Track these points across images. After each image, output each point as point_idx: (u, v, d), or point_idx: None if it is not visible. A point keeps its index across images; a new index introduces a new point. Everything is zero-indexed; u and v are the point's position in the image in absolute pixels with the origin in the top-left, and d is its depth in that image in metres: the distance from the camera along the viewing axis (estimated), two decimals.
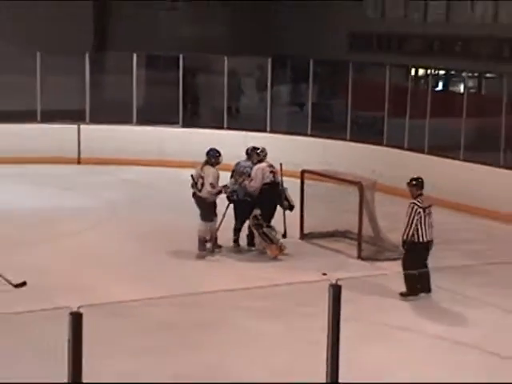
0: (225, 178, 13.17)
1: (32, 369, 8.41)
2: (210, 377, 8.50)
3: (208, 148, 13.12)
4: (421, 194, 11.34)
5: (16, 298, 10.48)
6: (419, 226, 11.07)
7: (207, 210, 12.95)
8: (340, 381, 5.45)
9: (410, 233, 11.09)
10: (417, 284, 11.26)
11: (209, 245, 13.05)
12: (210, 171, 12.84)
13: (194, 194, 13.04)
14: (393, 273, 11.94)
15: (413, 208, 11.14)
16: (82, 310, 4.81)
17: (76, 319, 4.83)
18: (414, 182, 11.43)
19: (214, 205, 13.02)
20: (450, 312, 10.77)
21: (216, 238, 13.09)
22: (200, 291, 9.79)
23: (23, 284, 11.29)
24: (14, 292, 10.83)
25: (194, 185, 12.95)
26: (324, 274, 11.37)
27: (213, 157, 12.95)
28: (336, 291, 5.43)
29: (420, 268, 11.07)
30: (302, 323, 9.88)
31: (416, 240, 11.09)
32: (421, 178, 11.48)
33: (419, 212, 11.11)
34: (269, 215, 13.04)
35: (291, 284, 10.57)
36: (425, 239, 11.12)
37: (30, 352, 8.83)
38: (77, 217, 15.08)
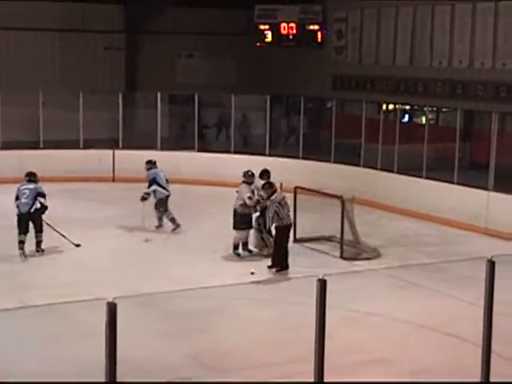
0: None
1: (76, 348, 8.42)
2: (217, 354, 8.49)
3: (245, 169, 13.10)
4: (274, 192, 12.06)
5: (64, 291, 10.48)
6: (280, 215, 11.82)
7: (237, 220, 12.83)
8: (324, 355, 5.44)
9: (275, 221, 11.84)
10: (283, 260, 11.85)
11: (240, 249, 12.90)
12: (245, 189, 12.79)
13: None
14: (368, 270, 11.94)
15: (272, 204, 11.88)
16: (116, 301, 4.81)
17: (112, 308, 4.84)
18: (264, 187, 12.25)
19: (245, 216, 12.78)
20: (416, 302, 10.73)
21: (245, 244, 12.94)
22: (210, 285, 9.78)
23: (79, 245, 12.89)
24: (63, 286, 10.86)
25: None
26: (252, 273, 11.44)
27: (249, 177, 12.94)
28: (322, 285, 5.43)
29: (285, 247, 11.95)
30: (294, 310, 9.86)
31: (280, 224, 11.83)
32: (268, 182, 12.29)
33: (277, 205, 11.83)
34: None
35: (286, 279, 10.56)
36: (285, 223, 11.94)
37: (75, 334, 8.83)
38: (112, 223, 15.08)
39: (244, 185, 12.91)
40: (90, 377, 6.92)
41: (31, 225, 12.70)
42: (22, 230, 12.55)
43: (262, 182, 12.99)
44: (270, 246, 12.81)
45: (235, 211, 12.85)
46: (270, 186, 12.18)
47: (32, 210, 12.54)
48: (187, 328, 9.29)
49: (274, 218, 11.85)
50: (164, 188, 14.61)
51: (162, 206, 14.62)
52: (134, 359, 7.71)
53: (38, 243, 12.72)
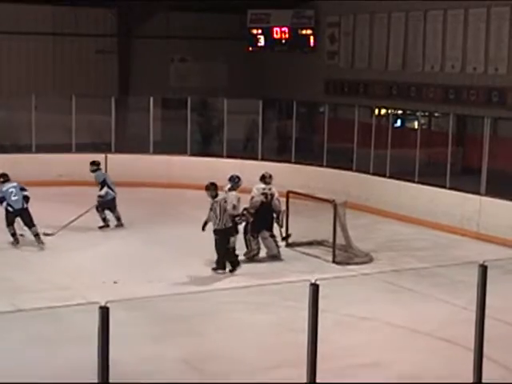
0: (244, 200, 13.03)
1: (69, 351, 8.41)
2: (210, 358, 8.49)
3: (229, 175, 13.06)
4: (217, 194, 12.06)
5: (57, 295, 10.48)
6: (227, 216, 11.89)
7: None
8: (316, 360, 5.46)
9: (223, 222, 11.85)
10: (224, 260, 11.95)
11: None
12: (233, 197, 12.66)
13: None
14: (360, 274, 11.96)
15: (220, 205, 11.89)
16: (109, 305, 4.82)
17: (104, 312, 4.84)
18: (211, 188, 12.06)
19: (234, 223, 12.65)
20: (409, 306, 10.75)
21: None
22: (202, 289, 9.78)
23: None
24: (56, 290, 10.85)
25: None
26: (115, 283, 11.32)
27: (234, 182, 12.88)
28: (315, 289, 5.44)
29: (226, 247, 11.97)
30: (286, 314, 9.87)
31: (225, 226, 11.85)
32: (214, 184, 12.14)
33: (224, 207, 11.88)
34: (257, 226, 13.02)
35: (279, 283, 10.57)
36: (227, 225, 11.93)
37: (68, 338, 8.82)
38: (105, 228, 15.06)
39: (233, 192, 12.86)
40: (82, 380, 6.92)
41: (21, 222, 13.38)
42: (11, 222, 13.33)
43: (263, 185, 13.03)
44: (250, 249, 12.90)
45: None
46: (214, 188, 12.14)
47: (25, 205, 13.28)
48: (180, 332, 9.29)
49: (218, 218, 11.90)
50: (112, 189, 15.07)
51: (105, 206, 14.95)
52: (127, 363, 7.72)
53: (37, 236, 13.26)
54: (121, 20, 24.12)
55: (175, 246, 13.74)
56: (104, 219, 14.99)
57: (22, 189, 13.54)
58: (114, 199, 15.06)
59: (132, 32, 24.27)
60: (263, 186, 13.15)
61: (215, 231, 12.05)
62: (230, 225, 12.08)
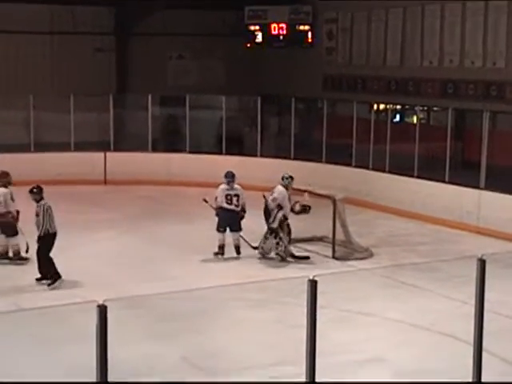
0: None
1: (67, 350, 8.39)
2: (209, 356, 8.47)
3: (227, 171, 12.94)
4: (42, 198, 11.16)
5: (57, 294, 10.47)
6: (50, 221, 11.05)
7: (238, 222, 12.82)
8: (316, 356, 5.44)
9: (46, 227, 11.02)
10: (54, 268, 11.07)
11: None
12: (242, 190, 12.79)
13: (226, 209, 12.81)
14: (360, 270, 11.95)
15: (43, 208, 11.03)
16: (106, 303, 4.80)
17: (102, 310, 4.82)
18: (35, 192, 11.19)
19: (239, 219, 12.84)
20: (408, 301, 10.73)
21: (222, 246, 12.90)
22: (201, 286, 9.77)
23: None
24: (55, 290, 10.83)
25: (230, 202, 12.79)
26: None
27: (230, 178, 12.82)
28: (313, 285, 5.43)
29: (49, 255, 11.11)
30: (285, 311, 9.86)
31: (49, 232, 11.03)
32: (39, 187, 11.24)
33: (48, 210, 11.03)
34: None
35: (278, 279, 10.56)
36: (53, 230, 11.12)
37: (67, 337, 8.81)
38: (104, 227, 15.05)
39: (238, 185, 12.92)
40: (80, 379, 6.91)
41: None
42: None
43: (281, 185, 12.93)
44: (260, 245, 12.86)
45: (238, 213, 12.89)
46: (39, 192, 11.23)
47: None
48: (179, 329, 9.27)
49: (46, 224, 11.03)
50: None
51: None
52: (126, 361, 7.70)
53: None
54: (118, 18, 24.09)
55: (174, 244, 13.73)
56: None
57: None
58: None
59: (130, 30, 24.23)
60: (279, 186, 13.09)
61: (38, 238, 11.10)
62: (54, 231, 11.14)
